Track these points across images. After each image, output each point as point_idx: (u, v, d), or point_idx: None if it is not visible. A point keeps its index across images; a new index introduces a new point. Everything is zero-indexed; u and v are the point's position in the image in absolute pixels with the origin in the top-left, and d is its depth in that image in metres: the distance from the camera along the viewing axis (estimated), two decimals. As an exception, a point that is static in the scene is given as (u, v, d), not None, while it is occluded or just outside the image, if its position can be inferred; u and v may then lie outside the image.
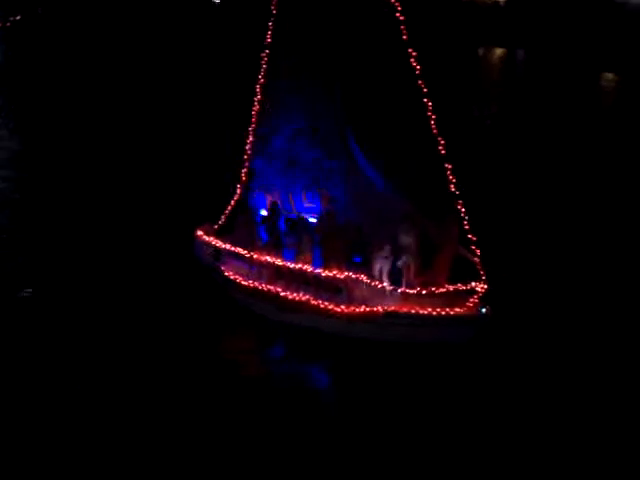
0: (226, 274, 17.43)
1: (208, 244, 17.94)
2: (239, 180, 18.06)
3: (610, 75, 49.31)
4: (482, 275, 14.78)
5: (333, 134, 16.69)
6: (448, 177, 14.66)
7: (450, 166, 14.59)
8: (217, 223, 18.37)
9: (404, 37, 14.61)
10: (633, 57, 48.91)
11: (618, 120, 37.07)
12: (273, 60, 16.78)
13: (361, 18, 15.68)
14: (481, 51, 59.28)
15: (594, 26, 55.12)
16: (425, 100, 14.72)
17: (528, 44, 57.47)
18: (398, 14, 14.59)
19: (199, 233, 18.30)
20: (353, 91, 16.15)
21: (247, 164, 17.89)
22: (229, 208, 18.26)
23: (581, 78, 47.41)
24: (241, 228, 18.15)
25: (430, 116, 14.68)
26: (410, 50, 14.50)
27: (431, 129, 14.73)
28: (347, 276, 15.69)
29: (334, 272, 15.78)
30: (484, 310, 14.87)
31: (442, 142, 14.56)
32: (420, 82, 14.68)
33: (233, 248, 17.34)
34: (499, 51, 59.85)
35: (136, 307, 17.67)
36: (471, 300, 14.85)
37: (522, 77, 51.10)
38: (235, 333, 17.07)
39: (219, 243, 17.64)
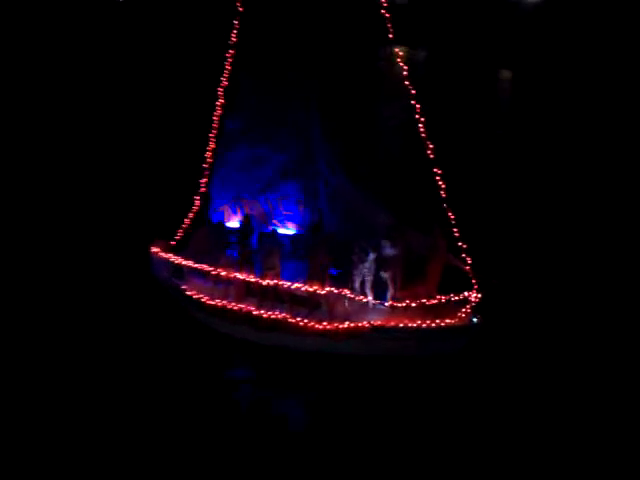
0: (188, 293, 16.11)
1: (167, 261, 16.53)
2: (198, 190, 16.70)
3: (507, 72, 50.57)
4: (474, 284, 14.18)
5: (306, 137, 15.68)
6: (437, 183, 13.92)
7: (440, 171, 13.84)
8: (174, 238, 16.96)
9: (390, 36, 13.80)
10: (527, 55, 50.53)
11: (514, 115, 37.69)
12: (239, 58, 15.59)
13: (340, 15, 14.73)
14: (386, 50, 59.25)
15: (491, 25, 56.57)
16: (412, 103, 13.91)
17: (430, 43, 58.10)
18: (383, 11, 13.77)
19: (155, 250, 16.84)
20: (330, 91, 15.18)
21: (207, 172, 16.57)
22: (187, 221, 16.89)
23: (480, 76, 48.28)
24: (200, 243, 16.91)
25: (418, 119, 13.90)
26: (397, 50, 13.68)
27: (419, 134, 13.94)
28: (329, 291, 14.74)
29: (315, 287, 14.79)
30: (475, 320, 14.31)
31: (431, 146, 13.79)
32: (407, 83, 13.85)
33: (197, 265, 16.03)
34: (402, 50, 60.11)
35: (91, 329, 16.18)
36: (463, 310, 14.24)
37: (424, 76, 51.39)
38: (199, 354, 15.69)
39: (180, 260, 16.27)
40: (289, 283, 15.07)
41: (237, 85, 15.80)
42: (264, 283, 15.28)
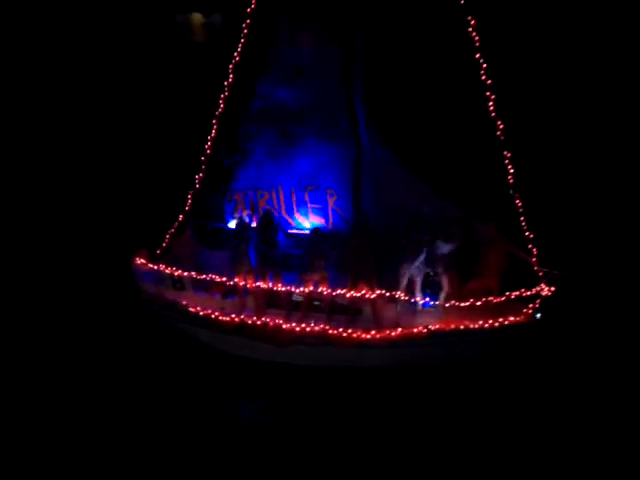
0: (192, 310, 13.46)
1: (158, 273, 13.75)
2: (192, 186, 14.04)
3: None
4: (542, 277, 13.00)
5: (341, 109, 13.65)
6: (506, 167, 12.55)
7: (509, 154, 12.49)
8: (160, 245, 14.18)
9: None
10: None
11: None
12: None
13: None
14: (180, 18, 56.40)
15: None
16: (482, 75, 12.37)
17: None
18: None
19: (141, 261, 13.94)
20: (378, 54, 13.25)
21: (206, 162, 13.96)
22: (176, 224, 14.19)
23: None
24: (183, 247, 14.37)
25: (488, 96, 12.42)
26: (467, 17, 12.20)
27: (488, 110, 12.44)
28: (380, 294, 12.88)
29: (362, 292, 12.84)
30: (538, 316, 13.17)
31: (501, 126, 12.40)
32: (478, 55, 12.32)
33: (203, 275, 13.48)
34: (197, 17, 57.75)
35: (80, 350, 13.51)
36: (530, 306, 13.03)
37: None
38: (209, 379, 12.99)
39: (179, 271, 13.59)
40: (330, 290, 13.02)
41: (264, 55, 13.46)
42: (297, 291, 13.11)
